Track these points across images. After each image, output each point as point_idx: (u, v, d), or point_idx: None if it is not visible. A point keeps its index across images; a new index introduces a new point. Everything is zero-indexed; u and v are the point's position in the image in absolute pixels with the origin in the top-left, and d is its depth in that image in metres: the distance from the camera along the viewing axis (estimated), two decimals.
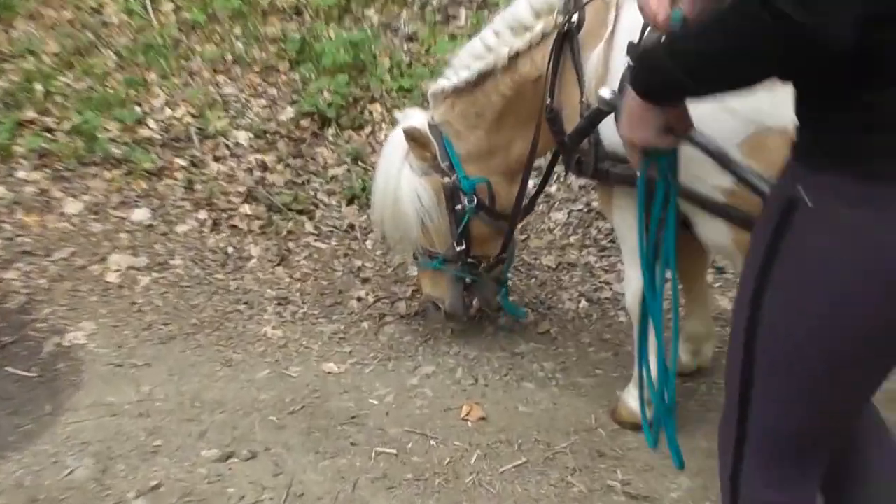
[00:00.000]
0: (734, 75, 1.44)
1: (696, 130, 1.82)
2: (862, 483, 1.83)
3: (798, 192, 1.45)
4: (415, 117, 3.38)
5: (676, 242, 2.34)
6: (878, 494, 1.82)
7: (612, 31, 2.60)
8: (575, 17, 2.76)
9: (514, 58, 3.05)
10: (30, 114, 4.73)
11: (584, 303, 3.91)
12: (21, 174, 4.42)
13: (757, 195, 2.29)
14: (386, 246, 4.03)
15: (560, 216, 4.40)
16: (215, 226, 4.26)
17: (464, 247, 3.39)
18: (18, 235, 4.11)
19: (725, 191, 2.41)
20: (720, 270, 4.04)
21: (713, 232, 2.60)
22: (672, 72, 1.51)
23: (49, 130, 4.67)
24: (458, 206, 3.32)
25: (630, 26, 2.48)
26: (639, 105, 1.70)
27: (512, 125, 3.20)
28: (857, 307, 1.43)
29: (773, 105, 2.22)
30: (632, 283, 2.98)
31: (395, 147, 3.36)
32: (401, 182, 3.31)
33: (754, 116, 2.27)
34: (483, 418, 3.21)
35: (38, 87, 4.87)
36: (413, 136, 3.24)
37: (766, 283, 1.52)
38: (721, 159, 2.07)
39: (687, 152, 2.45)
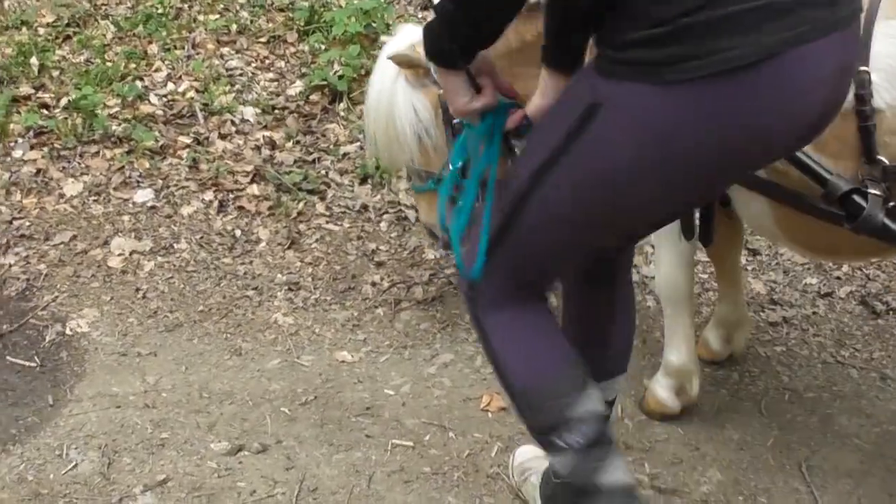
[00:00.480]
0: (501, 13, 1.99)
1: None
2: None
3: (600, 98, 1.89)
4: (406, 34, 3.30)
5: (713, 223, 2.74)
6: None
7: None
8: None
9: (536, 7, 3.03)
10: (25, 89, 4.80)
11: None
12: (17, 154, 4.49)
13: (799, 170, 2.36)
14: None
15: None
16: (222, 207, 4.32)
17: (459, 166, 3.38)
18: (16, 218, 4.18)
19: (768, 166, 2.45)
20: (754, 253, 4.08)
21: (754, 210, 2.66)
22: (446, 30, 2.03)
23: (46, 107, 4.73)
24: (456, 121, 3.31)
25: None
26: (443, 74, 2.13)
27: (522, 63, 3.18)
28: (644, 185, 1.93)
29: None
30: (662, 265, 3.04)
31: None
32: (396, 95, 3.27)
33: None
34: (504, 409, 3.27)
35: (34, 60, 4.93)
36: (400, 62, 3.20)
37: (554, 164, 2.00)
38: None
39: None
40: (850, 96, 2.25)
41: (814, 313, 3.83)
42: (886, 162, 2.30)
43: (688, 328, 3.11)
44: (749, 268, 4.00)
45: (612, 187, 1.96)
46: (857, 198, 2.32)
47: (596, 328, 2.47)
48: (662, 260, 3.04)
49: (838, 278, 4.01)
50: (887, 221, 2.30)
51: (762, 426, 3.24)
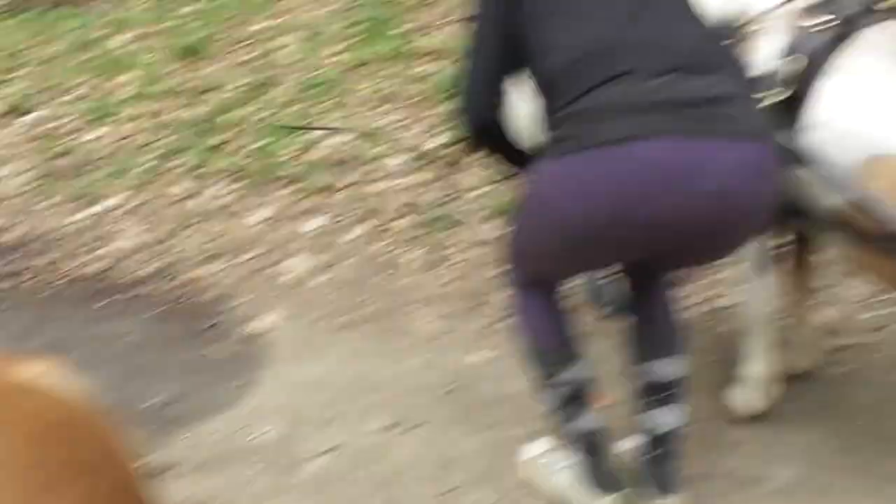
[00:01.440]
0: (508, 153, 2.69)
1: None
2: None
3: (538, 165, 2.39)
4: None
5: (794, 254, 2.93)
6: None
7: None
8: None
9: None
10: (219, 138, 5.14)
11: None
12: (212, 190, 4.82)
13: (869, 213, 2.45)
14: None
15: None
16: (377, 236, 4.55)
17: None
18: (211, 241, 4.51)
19: (837, 210, 2.56)
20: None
21: (837, 243, 2.77)
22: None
23: (235, 153, 5.06)
24: None
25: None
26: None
27: None
28: (556, 223, 2.36)
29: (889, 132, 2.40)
30: (750, 293, 3.12)
31: None
32: None
33: (873, 142, 2.43)
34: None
35: (226, 116, 5.28)
36: None
37: (522, 209, 2.51)
38: None
39: (802, 176, 2.64)
40: None
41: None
42: None
43: (767, 348, 3.17)
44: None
45: (539, 233, 2.46)
46: None
47: (637, 317, 2.83)
48: (751, 288, 3.11)
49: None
50: None
51: (827, 431, 3.25)
